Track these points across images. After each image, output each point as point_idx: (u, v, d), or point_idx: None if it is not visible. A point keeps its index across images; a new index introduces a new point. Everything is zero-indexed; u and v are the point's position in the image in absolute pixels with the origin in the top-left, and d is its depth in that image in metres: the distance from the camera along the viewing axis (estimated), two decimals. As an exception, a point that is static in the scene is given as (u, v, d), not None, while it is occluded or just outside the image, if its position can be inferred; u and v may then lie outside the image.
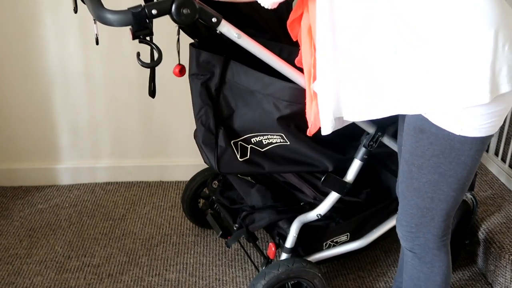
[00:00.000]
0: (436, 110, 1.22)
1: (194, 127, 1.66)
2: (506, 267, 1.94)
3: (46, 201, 2.55)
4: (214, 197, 2.09)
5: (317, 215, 1.75)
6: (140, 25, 1.23)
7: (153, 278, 2.07)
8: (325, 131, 1.35)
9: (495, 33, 1.13)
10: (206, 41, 1.59)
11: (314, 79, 1.33)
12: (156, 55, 1.28)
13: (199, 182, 2.22)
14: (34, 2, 2.31)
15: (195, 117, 1.62)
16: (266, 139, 1.59)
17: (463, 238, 2.04)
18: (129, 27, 1.24)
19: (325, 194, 1.75)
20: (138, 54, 1.28)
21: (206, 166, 2.20)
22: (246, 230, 1.86)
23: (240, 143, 1.60)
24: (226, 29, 1.35)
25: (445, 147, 1.25)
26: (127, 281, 2.06)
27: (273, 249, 1.82)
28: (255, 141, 1.59)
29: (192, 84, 1.61)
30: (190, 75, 1.60)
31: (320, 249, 1.86)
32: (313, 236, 1.83)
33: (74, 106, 2.54)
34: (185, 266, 2.14)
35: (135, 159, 2.69)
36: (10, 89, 2.49)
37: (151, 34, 1.27)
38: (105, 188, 2.67)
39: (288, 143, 1.57)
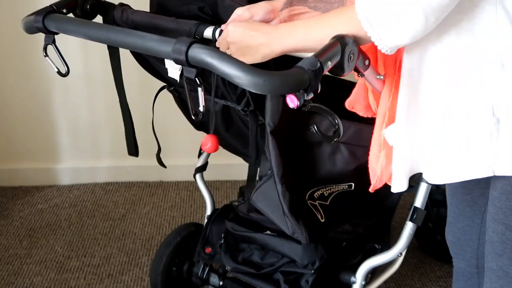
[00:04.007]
0: None
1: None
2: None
3: (46, 201, 2.55)
4: (227, 268, 1.66)
5: (398, 254, 1.48)
6: (316, 85, 0.91)
7: (153, 278, 2.07)
8: (397, 189, 1.12)
9: None
10: None
11: (388, 124, 1.10)
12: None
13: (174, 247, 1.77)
14: (34, 2, 2.30)
15: (279, 181, 1.34)
16: (327, 190, 1.40)
17: None
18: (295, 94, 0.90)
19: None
20: (316, 126, 0.99)
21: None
22: None
23: (310, 202, 1.40)
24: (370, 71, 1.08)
25: None
26: (127, 281, 2.06)
27: None
28: (317, 195, 1.40)
29: (272, 141, 1.33)
30: (271, 132, 1.34)
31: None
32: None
33: (74, 106, 2.54)
34: (185, 266, 2.14)
35: (135, 159, 2.68)
36: (10, 89, 2.48)
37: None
38: (105, 188, 2.66)
39: (352, 188, 1.39)
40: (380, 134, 1.11)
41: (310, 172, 1.39)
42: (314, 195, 1.39)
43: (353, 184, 1.39)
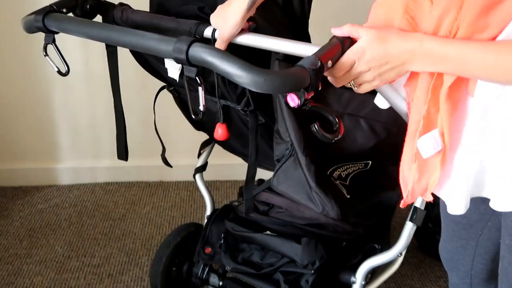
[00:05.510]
0: None
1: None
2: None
3: (46, 201, 2.55)
4: (227, 268, 1.64)
5: (398, 254, 1.48)
6: (316, 84, 0.89)
7: (153, 278, 2.07)
8: (455, 210, 1.01)
9: None
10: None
11: (422, 133, 0.95)
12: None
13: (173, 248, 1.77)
14: (34, 2, 2.31)
15: (301, 154, 1.29)
16: (345, 170, 1.37)
17: None
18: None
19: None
20: (318, 125, 0.95)
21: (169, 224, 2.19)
22: None
23: (332, 180, 1.37)
24: None
25: None
26: (127, 281, 2.06)
27: None
28: (336, 176, 1.37)
29: (287, 111, 1.30)
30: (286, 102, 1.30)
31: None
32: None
33: (74, 106, 2.54)
34: (185, 266, 2.14)
35: (135, 159, 2.68)
36: (10, 89, 2.49)
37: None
38: (105, 188, 2.66)
39: (368, 168, 1.36)
40: (414, 143, 0.97)
41: (330, 147, 1.32)
42: (333, 175, 1.35)
43: (370, 163, 1.35)
